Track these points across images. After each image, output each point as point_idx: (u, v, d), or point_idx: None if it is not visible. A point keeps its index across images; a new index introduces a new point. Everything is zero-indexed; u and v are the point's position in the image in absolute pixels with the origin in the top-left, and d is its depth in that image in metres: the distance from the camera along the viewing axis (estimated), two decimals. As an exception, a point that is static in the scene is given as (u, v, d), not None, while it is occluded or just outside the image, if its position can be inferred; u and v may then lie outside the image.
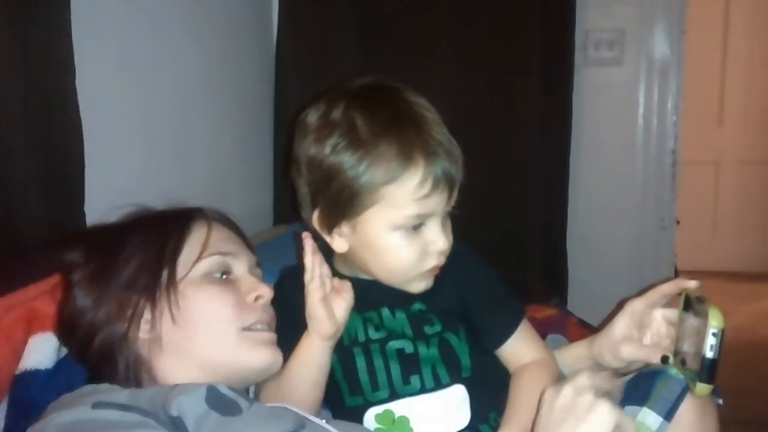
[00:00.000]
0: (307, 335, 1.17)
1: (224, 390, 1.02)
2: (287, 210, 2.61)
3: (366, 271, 1.21)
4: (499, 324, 1.25)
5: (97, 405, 0.95)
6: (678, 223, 3.11)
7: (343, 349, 1.21)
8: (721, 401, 1.25)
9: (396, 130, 1.12)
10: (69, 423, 0.92)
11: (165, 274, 1.11)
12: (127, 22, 1.95)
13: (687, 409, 1.17)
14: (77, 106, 1.64)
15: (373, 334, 1.21)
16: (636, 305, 1.29)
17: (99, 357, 1.11)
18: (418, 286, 1.20)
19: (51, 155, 1.60)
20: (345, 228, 1.17)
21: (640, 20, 2.89)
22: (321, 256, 1.17)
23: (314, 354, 1.17)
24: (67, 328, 1.15)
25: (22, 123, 1.53)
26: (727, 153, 5.36)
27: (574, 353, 1.36)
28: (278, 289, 1.22)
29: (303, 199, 1.22)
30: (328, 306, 1.15)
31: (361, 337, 1.22)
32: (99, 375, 1.11)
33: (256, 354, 1.13)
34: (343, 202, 1.13)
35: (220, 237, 1.19)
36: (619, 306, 1.31)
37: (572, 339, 1.53)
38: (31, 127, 1.54)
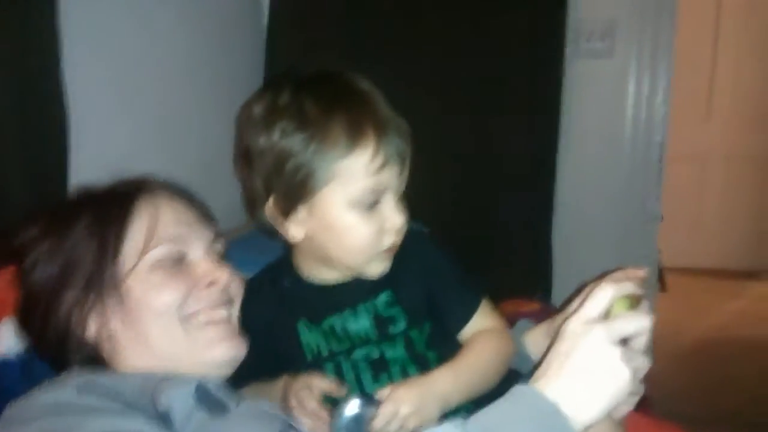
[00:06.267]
0: (282, 389, 1.18)
1: (212, 388, 1.00)
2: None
3: (325, 257, 1.19)
4: (462, 305, 1.25)
5: (81, 389, 0.93)
6: (662, 218, 3.12)
7: (307, 365, 1.20)
8: None
9: (344, 107, 1.13)
10: (52, 404, 0.91)
11: (109, 272, 1.05)
12: (116, 6, 1.93)
13: None
14: (63, 91, 1.63)
15: (336, 347, 1.20)
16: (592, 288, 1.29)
17: (55, 353, 1.08)
18: (377, 268, 1.19)
19: (36, 140, 1.59)
20: (301, 213, 1.15)
21: (631, 12, 2.88)
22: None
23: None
24: (21, 320, 1.12)
25: (6, 108, 1.52)
26: (714, 148, 5.37)
27: (536, 332, 1.37)
28: (248, 297, 1.19)
29: (255, 193, 1.19)
30: None
31: (324, 352, 1.20)
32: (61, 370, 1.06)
33: (214, 350, 1.08)
34: (298, 184, 1.12)
35: (170, 218, 1.11)
36: (578, 290, 1.31)
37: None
38: (15, 112, 1.54)
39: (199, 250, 1.12)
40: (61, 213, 1.12)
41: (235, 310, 1.15)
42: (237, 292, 1.16)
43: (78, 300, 1.05)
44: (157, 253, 1.07)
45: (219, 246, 1.17)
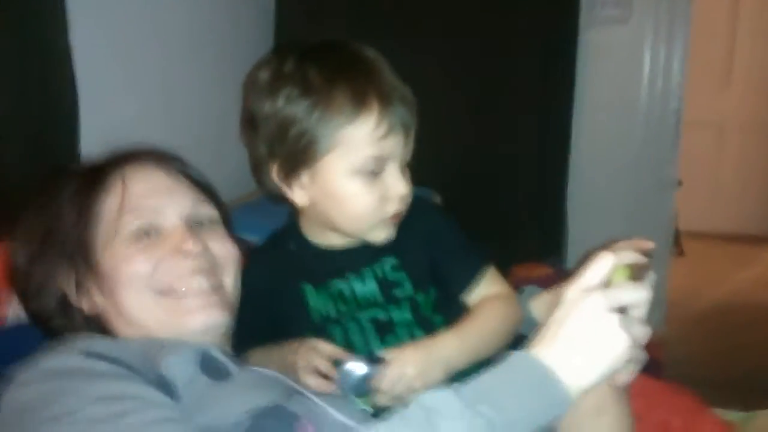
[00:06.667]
0: (289, 352, 1.16)
1: (215, 353, 1.01)
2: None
3: (328, 223, 1.20)
4: (465, 270, 1.25)
5: (87, 354, 0.94)
6: (680, 183, 3.10)
7: (314, 327, 1.21)
8: None
9: (349, 75, 1.13)
10: (55, 368, 0.92)
11: (87, 246, 1.08)
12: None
13: None
14: (71, 63, 1.63)
15: (344, 309, 1.21)
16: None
17: (46, 323, 1.10)
18: (380, 236, 1.19)
19: (45, 113, 1.59)
20: (305, 178, 1.16)
21: (647, -23, 2.85)
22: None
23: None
24: (14, 290, 1.14)
25: (15, 81, 1.53)
26: (731, 116, 5.31)
27: (542, 299, 1.37)
28: (253, 261, 1.20)
29: (260, 158, 1.19)
30: None
31: (332, 314, 1.21)
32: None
33: (187, 319, 1.07)
34: (301, 150, 1.13)
35: (142, 189, 1.11)
36: (584, 258, 1.31)
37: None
38: (24, 86, 1.55)
39: (173, 218, 1.11)
40: (49, 188, 1.14)
41: (228, 278, 1.15)
42: (228, 259, 1.15)
43: (61, 273, 1.08)
44: (126, 226, 1.08)
45: (205, 211, 1.16)
